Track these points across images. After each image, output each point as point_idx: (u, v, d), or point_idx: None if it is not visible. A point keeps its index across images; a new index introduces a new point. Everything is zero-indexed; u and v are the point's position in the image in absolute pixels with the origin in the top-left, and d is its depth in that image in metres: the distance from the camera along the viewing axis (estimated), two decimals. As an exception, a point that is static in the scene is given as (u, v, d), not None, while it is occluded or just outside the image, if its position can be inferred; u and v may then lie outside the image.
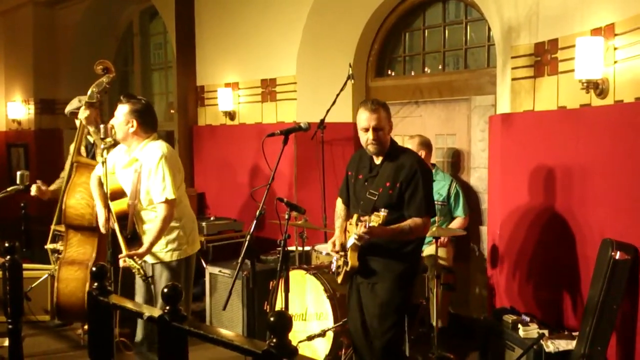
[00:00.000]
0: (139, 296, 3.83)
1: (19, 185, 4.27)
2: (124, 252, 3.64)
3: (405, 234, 3.26)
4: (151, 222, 3.68)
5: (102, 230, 3.84)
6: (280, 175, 5.80)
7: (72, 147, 4.83)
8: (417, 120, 5.51)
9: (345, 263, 3.38)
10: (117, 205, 3.77)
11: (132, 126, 3.65)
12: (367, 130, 3.31)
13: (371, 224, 3.02)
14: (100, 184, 3.85)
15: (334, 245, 3.48)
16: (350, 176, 3.58)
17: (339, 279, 3.51)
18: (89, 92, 4.50)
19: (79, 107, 4.77)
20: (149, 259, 3.71)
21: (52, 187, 4.95)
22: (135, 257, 3.56)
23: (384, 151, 3.36)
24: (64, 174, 4.96)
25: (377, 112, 3.29)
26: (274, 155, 3.43)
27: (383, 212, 3.01)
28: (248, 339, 2.25)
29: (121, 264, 3.56)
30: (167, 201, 3.57)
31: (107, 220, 3.78)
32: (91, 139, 4.74)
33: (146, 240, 3.59)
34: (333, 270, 3.71)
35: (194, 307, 5.57)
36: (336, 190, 5.60)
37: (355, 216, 3.39)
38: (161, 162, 3.58)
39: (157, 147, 3.65)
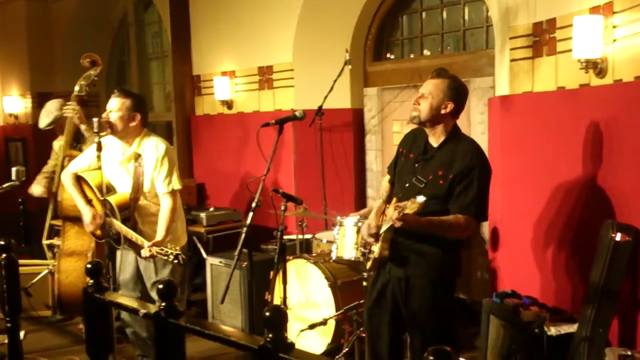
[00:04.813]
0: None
1: (14, 181, 4.26)
2: (144, 243, 3.53)
3: (443, 230, 2.90)
4: (153, 215, 3.71)
5: (89, 228, 3.80)
6: (279, 163, 5.78)
7: (55, 143, 4.87)
8: (416, 104, 5.44)
9: (374, 250, 3.15)
10: (117, 198, 3.75)
11: (134, 120, 3.70)
12: None
13: (406, 211, 2.75)
14: (77, 181, 3.84)
15: (369, 227, 3.13)
16: (401, 153, 3.24)
17: (368, 265, 3.27)
18: (77, 87, 4.49)
19: (54, 120, 4.84)
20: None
21: (41, 184, 4.98)
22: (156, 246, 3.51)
23: (422, 122, 3.07)
24: (47, 169, 5.01)
25: (432, 79, 3.07)
26: (271, 145, 3.39)
27: (420, 199, 2.69)
28: (245, 334, 2.24)
29: (145, 253, 3.49)
30: (173, 192, 3.69)
31: (95, 217, 3.75)
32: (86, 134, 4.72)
33: (160, 230, 3.63)
34: (334, 258, 3.67)
35: (195, 297, 5.59)
36: (335, 176, 5.61)
37: (394, 200, 3.10)
38: (166, 155, 3.70)
39: (159, 142, 3.74)
